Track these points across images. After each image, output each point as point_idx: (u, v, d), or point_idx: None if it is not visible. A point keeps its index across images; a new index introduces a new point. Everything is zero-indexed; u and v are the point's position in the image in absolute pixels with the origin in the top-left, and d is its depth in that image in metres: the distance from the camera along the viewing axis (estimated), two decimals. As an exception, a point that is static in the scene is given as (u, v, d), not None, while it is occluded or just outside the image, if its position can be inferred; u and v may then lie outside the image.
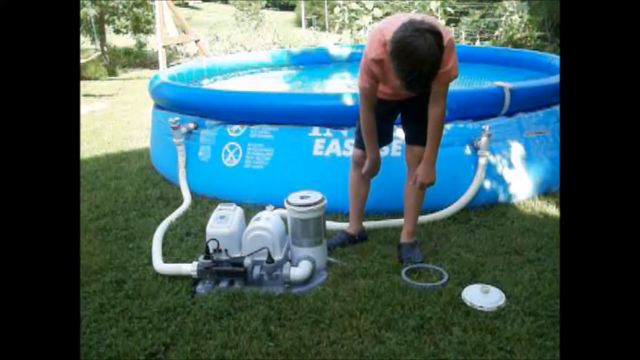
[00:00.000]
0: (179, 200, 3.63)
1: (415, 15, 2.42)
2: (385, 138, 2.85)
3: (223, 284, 2.48)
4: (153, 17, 10.95)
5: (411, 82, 2.22)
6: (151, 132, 4.67)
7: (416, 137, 2.65)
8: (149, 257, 2.78)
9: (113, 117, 6.78)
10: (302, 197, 2.60)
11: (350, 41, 11.46)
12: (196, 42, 10.49)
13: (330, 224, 2.97)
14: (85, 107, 7.40)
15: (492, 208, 3.32)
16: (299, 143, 3.43)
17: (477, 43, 11.12)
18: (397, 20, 2.30)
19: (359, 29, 12.22)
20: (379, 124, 2.65)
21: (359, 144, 2.77)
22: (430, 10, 11.75)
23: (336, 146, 3.35)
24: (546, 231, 2.98)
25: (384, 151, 3.25)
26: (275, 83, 6.07)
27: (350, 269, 2.61)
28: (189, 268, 2.53)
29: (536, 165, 3.55)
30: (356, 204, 2.91)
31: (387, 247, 2.84)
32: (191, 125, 3.80)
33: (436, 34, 2.16)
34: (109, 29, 12.38)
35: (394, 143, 3.11)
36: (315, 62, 6.69)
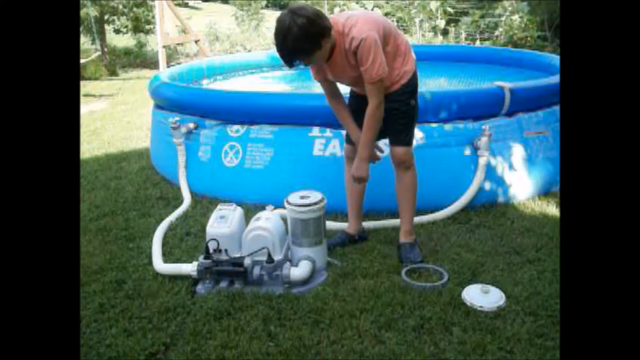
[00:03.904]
0: (179, 200, 3.63)
1: (350, 12, 2.55)
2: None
3: (223, 284, 2.48)
4: (153, 17, 10.95)
5: (278, 54, 2.41)
6: (151, 132, 4.67)
7: (392, 137, 2.69)
8: (149, 257, 2.78)
9: (113, 117, 6.78)
10: (302, 197, 2.60)
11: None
12: (196, 42, 10.50)
13: (330, 224, 2.97)
14: (85, 107, 7.40)
15: (492, 208, 3.32)
16: (299, 143, 3.43)
17: (477, 43, 11.12)
18: (339, 16, 2.49)
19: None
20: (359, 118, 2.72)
21: (349, 138, 2.80)
22: (430, 10, 11.75)
23: (336, 146, 3.34)
24: (546, 231, 2.98)
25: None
26: (275, 83, 6.07)
27: (350, 269, 2.61)
28: (189, 268, 2.53)
29: (536, 165, 3.55)
30: (353, 201, 2.91)
31: (387, 247, 2.84)
32: (191, 125, 3.80)
33: (308, 19, 2.30)
34: (109, 29, 12.37)
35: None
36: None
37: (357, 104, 2.71)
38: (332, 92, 2.72)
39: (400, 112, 2.60)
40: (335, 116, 2.77)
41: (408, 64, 2.61)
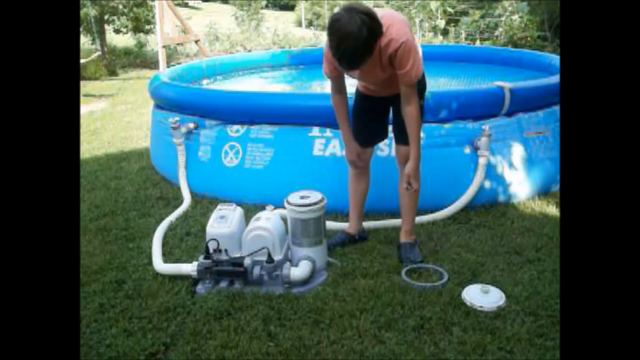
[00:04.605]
0: (179, 200, 3.63)
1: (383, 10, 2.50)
2: (376, 134, 2.86)
3: (223, 284, 2.48)
4: (153, 17, 10.94)
5: (339, 59, 2.26)
6: (151, 132, 4.67)
7: (399, 135, 2.68)
8: (149, 257, 2.78)
9: (113, 117, 6.78)
10: (302, 197, 2.60)
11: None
12: (196, 42, 10.50)
13: (330, 224, 2.97)
14: (85, 107, 7.40)
15: (492, 208, 3.32)
16: (299, 143, 3.43)
17: (477, 43, 11.12)
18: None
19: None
20: (368, 119, 2.72)
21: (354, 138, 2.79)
22: (430, 10, 11.75)
23: (336, 146, 3.34)
24: (546, 231, 2.98)
25: (384, 151, 3.26)
26: (275, 83, 6.07)
27: (350, 269, 2.61)
28: (189, 268, 2.53)
29: (536, 165, 3.55)
30: (355, 201, 2.91)
31: (387, 247, 2.84)
32: (191, 125, 3.80)
33: (371, 18, 2.21)
34: (109, 29, 12.37)
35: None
36: (315, 62, 6.69)
37: (367, 105, 2.73)
38: (340, 88, 2.69)
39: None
40: (334, 111, 2.75)
41: None
